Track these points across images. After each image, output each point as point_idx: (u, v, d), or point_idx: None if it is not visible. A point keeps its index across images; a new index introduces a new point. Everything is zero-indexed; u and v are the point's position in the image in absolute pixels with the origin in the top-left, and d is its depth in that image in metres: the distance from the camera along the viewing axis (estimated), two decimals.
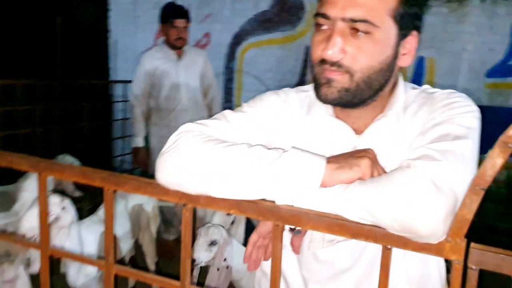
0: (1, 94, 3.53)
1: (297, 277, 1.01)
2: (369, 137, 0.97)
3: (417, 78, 5.24)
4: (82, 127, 4.29)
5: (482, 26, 4.89)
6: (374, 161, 0.82)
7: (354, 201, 0.73)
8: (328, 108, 1.00)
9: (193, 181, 0.81)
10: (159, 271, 3.02)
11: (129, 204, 2.49)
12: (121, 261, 2.50)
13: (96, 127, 4.51)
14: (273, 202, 0.80)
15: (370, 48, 0.88)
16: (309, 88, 1.07)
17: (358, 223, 0.73)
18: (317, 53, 0.92)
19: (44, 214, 0.95)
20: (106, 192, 0.88)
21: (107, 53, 6.22)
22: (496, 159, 0.62)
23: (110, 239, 0.90)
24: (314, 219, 0.74)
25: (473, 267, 0.65)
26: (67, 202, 1.98)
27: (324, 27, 0.92)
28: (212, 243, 1.98)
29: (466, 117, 0.86)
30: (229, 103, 5.78)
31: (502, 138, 0.63)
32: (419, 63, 5.22)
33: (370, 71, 0.90)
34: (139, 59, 3.51)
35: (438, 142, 0.80)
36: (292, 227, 0.86)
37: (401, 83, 0.99)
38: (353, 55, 0.88)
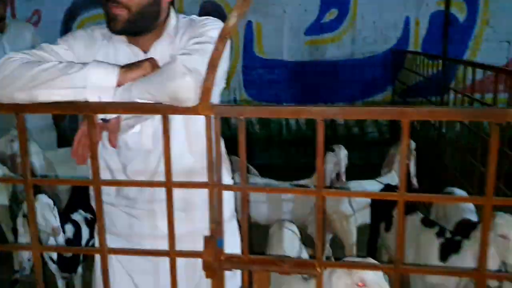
0: None
1: (117, 164, 1.35)
2: (152, 53, 1.35)
3: (247, 43, 5.80)
4: None
5: None
6: (154, 64, 1.18)
7: (140, 88, 1.09)
8: (123, 36, 1.36)
9: (20, 92, 1.08)
10: None
11: None
12: None
13: None
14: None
15: None
16: None
17: (144, 103, 1.07)
18: None
19: None
20: None
21: None
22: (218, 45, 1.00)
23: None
24: (114, 105, 1.07)
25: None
26: None
27: None
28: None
29: (213, 32, 1.29)
30: None
31: (221, 33, 1.00)
32: (248, 28, 5.77)
33: (142, 5, 1.27)
34: None
35: (192, 45, 1.21)
36: (102, 117, 1.18)
37: (173, 15, 1.40)
38: None
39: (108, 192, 1.39)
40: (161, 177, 1.31)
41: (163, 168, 1.34)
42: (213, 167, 1.07)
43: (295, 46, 5.76)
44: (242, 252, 1.11)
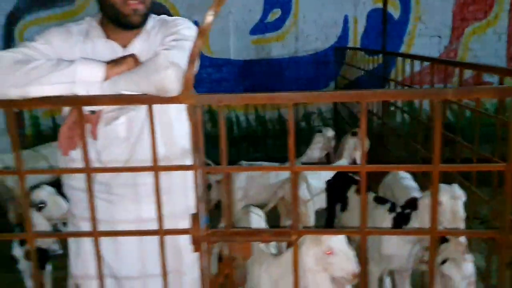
0: None
1: (92, 153, 1.42)
2: (131, 49, 1.45)
3: None
4: None
5: None
6: (136, 60, 1.29)
7: (127, 81, 1.19)
8: (101, 33, 1.45)
9: (13, 88, 1.16)
10: None
11: None
12: None
13: None
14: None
15: None
16: (83, 22, 1.50)
17: (131, 94, 1.18)
18: None
19: None
20: None
21: None
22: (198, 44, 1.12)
23: None
24: (103, 97, 1.16)
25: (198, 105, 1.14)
26: None
27: None
28: None
29: (185, 30, 1.44)
30: None
31: (200, 30, 1.12)
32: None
33: None
34: None
35: (170, 42, 1.34)
36: (90, 109, 1.27)
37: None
38: None
39: (80, 178, 1.45)
40: (134, 164, 1.42)
41: (136, 156, 1.45)
42: (198, 151, 1.19)
43: (242, 45, 5.91)
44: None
